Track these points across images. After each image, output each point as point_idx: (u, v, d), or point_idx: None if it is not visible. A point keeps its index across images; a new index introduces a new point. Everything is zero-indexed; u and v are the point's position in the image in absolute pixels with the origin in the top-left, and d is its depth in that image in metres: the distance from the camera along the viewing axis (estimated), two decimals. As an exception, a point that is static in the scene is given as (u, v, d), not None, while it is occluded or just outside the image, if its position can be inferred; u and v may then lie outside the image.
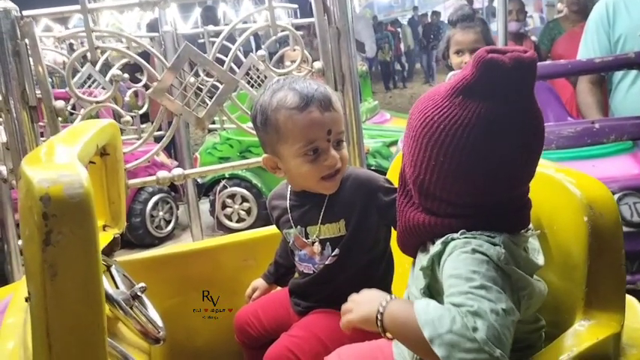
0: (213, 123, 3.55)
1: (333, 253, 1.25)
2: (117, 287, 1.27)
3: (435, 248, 0.90)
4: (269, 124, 1.19)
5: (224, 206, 4.04)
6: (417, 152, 0.91)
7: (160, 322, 1.26)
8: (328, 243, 1.25)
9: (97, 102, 1.79)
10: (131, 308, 1.17)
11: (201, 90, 2.11)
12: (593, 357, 0.90)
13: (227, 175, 3.96)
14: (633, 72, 2.36)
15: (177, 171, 1.86)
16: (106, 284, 1.10)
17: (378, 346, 1.13)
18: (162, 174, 1.84)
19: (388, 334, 0.90)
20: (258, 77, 3.32)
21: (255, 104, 1.24)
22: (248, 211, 4.04)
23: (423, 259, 0.95)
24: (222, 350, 1.59)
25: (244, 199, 4.02)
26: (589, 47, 2.48)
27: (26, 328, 0.93)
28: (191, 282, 1.57)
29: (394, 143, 3.59)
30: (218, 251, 1.60)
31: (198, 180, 3.86)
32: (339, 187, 1.24)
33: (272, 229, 1.60)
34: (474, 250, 0.85)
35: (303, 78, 1.26)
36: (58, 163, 0.78)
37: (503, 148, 0.86)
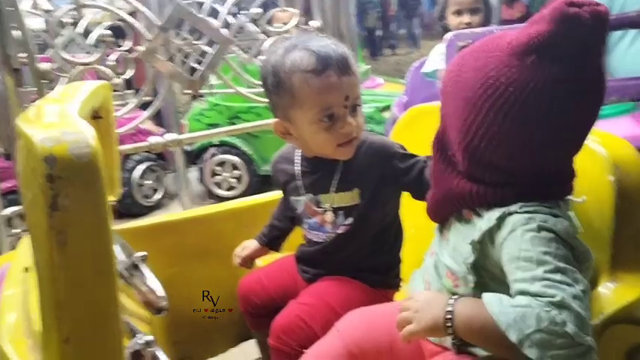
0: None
1: (346, 222, 1.20)
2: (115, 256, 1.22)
3: (486, 223, 0.84)
4: (282, 88, 1.11)
5: (213, 174, 3.97)
6: (473, 116, 0.82)
7: (161, 292, 1.21)
8: (341, 212, 1.20)
9: (85, 64, 1.70)
10: (131, 277, 1.12)
11: (188, 54, 2.02)
12: (621, 320, 0.88)
13: (216, 142, 3.88)
14: (632, 32, 2.32)
15: (171, 136, 1.79)
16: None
17: (394, 310, 1.09)
18: (154, 139, 1.77)
19: (454, 340, 0.84)
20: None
21: (266, 64, 1.15)
22: (239, 179, 3.98)
23: (465, 230, 0.90)
24: (224, 319, 1.56)
25: (234, 167, 3.95)
26: None
27: (27, 300, 0.88)
28: (190, 250, 1.52)
29: (387, 108, 3.53)
30: (218, 219, 1.55)
31: (187, 147, 3.78)
32: (353, 155, 1.18)
33: (273, 195, 1.55)
34: (540, 228, 0.79)
35: (316, 35, 1.17)
36: (60, 120, 0.71)
37: (577, 112, 0.80)
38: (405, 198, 1.25)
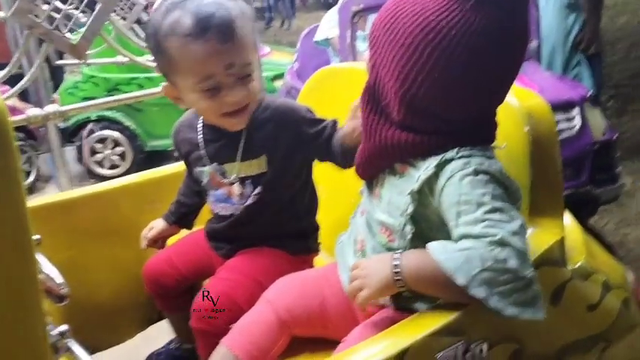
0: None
1: (254, 192, 1.13)
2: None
3: (425, 172, 0.83)
4: (160, 52, 1.02)
5: (93, 152, 3.69)
6: (412, 62, 0.80)
7: (59, 278, 1.09)
8: (249, 181, 1.13)
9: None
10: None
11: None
12: (543, 263, 0.92)
13: (94, 118, 3.59)
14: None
15: (53, 107, 1.60)
16: None
17: (322, 275, 1.07)
18: (34, 112, 1.58)
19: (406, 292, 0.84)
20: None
21: (149, 24, 1.05)
22: (122, 156, 3.74)
23: (400, 183, 0.88)
24: (129, 302, 1.44)
25: (116, 143, 3.70)
26: None
27: None
28: (88, 231, 1.38)
29: (278, 77, 3.47)
30: (117, 195, 1.41)
31: (60, 125, 3.46)
32: (257, 120, 1.11)
33: (177, 166, 1.45)
34: (477, 171, 0.80)
35: None
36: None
37: (511, 58, 0.82)
38: (313, 165, 1.22)
